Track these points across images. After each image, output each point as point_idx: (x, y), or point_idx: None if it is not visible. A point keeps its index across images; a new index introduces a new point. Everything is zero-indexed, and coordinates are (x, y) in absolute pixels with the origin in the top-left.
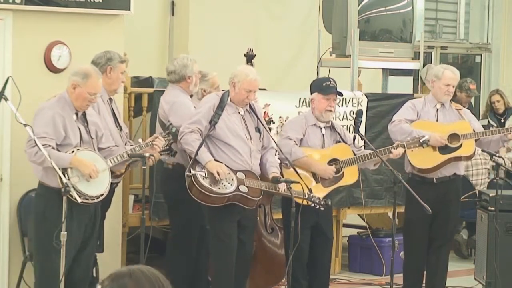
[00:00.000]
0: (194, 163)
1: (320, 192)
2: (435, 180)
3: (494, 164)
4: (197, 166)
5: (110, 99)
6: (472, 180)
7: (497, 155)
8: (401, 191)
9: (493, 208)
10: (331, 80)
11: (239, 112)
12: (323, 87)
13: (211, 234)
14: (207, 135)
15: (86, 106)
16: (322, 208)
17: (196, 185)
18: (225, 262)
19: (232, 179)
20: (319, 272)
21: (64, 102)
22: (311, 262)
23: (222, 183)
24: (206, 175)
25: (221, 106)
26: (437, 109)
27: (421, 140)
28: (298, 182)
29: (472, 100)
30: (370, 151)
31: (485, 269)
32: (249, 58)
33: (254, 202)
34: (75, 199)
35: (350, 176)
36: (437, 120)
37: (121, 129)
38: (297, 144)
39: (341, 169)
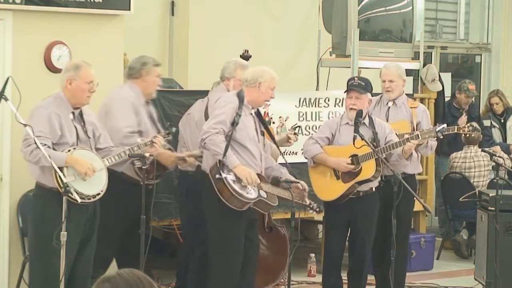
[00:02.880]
0: (222, 165)
1: (341, 187)
2: (383, 177)
3: (494, 164)
4: (224, 169)
5: (147, 102)
6: (474, 182)
7: (497, 155)
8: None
9: (493, 208)
10: (356, 78)
11: (251, 114)
12: (347, 86)
13: (216, 233)
14: (227, 136)
15: (87, 98)
16: (315, 213)
17: (229, 188)
18: (232, 263)
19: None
20: (355, 267)
21: (60, 101)
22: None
23: (248, 188)
24: (235, 179)
25: (240, 107)
26: (389, 107)
27: (437, 130)
28: (298, 182)
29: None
30: (392, 143)
31: (485, 269)
32: (245, 59)
33: (270, 207)
34: (75, 199)
35: (368, 170)
36: (387, 119)
37: (158, 132)
38: (318, 143)
39: (359, 164)
